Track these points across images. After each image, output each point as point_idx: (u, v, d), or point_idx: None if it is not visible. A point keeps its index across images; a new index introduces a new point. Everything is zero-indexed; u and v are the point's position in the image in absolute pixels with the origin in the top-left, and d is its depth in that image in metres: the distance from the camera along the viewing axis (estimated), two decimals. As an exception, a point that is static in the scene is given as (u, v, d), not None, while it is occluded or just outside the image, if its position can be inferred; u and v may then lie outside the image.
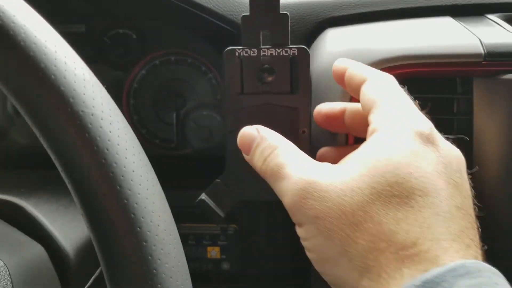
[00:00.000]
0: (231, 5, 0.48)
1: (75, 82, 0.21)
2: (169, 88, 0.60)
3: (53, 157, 0.20)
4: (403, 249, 0.23)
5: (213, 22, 0.49)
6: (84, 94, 0.21)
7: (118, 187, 0.20)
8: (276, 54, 0.34)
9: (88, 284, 0.40)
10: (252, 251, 0.54)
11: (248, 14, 0.34)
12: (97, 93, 0.21)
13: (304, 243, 0.27)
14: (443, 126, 0.41)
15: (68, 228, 0.39)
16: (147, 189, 0.21)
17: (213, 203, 0.34)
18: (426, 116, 0.29)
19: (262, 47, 0.34)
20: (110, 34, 0.60)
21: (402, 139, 0.26)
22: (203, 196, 0.35)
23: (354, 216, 0.24)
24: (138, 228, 0.20)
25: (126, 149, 0.21)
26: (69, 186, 0.20)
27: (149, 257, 0.20)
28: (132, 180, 0.20)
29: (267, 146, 0.29)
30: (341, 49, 0.42)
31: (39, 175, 0.48)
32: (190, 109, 0.61)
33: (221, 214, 0.34)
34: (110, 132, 0.21)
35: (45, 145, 0.20)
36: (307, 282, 0.51)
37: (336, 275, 0.25)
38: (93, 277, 0.40)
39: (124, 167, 0.20)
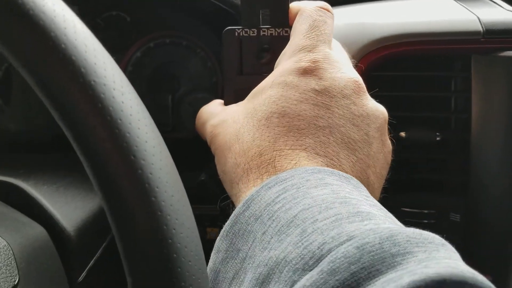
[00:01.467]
0: (228, -16, 0.48)
1: (86, 52, 0.20)
2: (164, 70, 0.60)
3: (64, 128, 0.20)
4: (252, 160, 0.28)
5: (210, 1, 0.48)
6: (95, 64, 0.20)
7: (132, 157, 0.20)
8: (276, 34, 0.34)
9: (90, 264, 0.39)
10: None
11: None
12: (107, 64, 0.21)
13: (215, 161, 0.32)
14: (440, 104, 0.42)
15: (68, 208, 0.39)
16: (161, 160, 0.21)
17: (214, 184, 0.35)
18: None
19: (261, 27, 0.34)
20: (104, 17, 0.60)
21: (278, 73, 0.30)
22: (203, 176, 0.35)
23: (230, 141, 0.30)
24: (153, 198, 0.20)
25: (139, 120, 0.21)
26: (82, 158, 0.20)
27: (164, 227, 0.20)
28: (145, 150, 0.20)
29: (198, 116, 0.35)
30: (340, 23, 0.42)
31: (35, 159, 0.48)
32: (186, 92, 0.60)
33: (221, 194, 0.34)
34: (122, 102, 0.20)
35: (55, 116, 0.20)
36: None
37: (226, 180, 0.30)
38: (95, 257, 0.40)
39: (138, 137, 0.20)
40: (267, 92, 0.30)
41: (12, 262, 0.30)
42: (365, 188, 0.26)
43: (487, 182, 0.38)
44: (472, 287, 0.18)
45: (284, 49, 0.32)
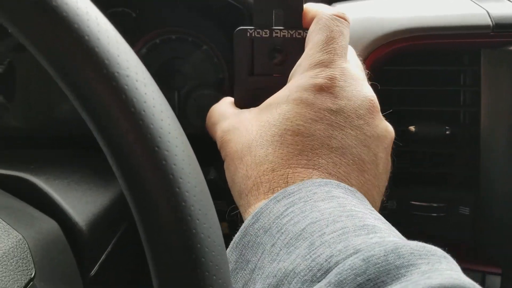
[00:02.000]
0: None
1: (108, 43, 0.20)
2: (170, 67, 0.60)
3: (87, 119, 0.20)
4: (263, 175, 0.28)
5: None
6: (118, 55, 0.20)
7: (156, 148, 0.20)
8: (289, 36, 0.33)
9: (101, 259, 0.40)
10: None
11: None
12: (129, 55, 0.21)
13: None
14: (449, 98, 0.42)
15: (79, 203, 0.39)
16: (183, 151, 0.21)
17: (222, 182, 0.34)
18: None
19: (274, 28, 0.33)
20: (109, 12, 0.60)
21: (293, 88, 0.30)
22: (212, 175, 0.34)
23: (242, 151, 0.30)
24: (177, 189, 0.20)
25: (161, 111, 0.21)
26: (105, 149, 0.20)
27: (188, 217, 0.20)
28: (169, 142, 0.20)
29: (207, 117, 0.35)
30: (352, 18, 0.42)
31: (43, 155, 0.48)
32: (192, 88, 0.60)
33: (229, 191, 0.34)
34: (145, 94, 0.20)
35: (78, 108, 0.20)
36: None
37: (234, 192, 0.31)
38: (106, 252, 0.40)
39: (161, 128, 0.20)
40: (282, 107, 0.30)
41: (28, 256, 0.30)
42: (368, 202, 0.27)
43: (496, 175, 0.38)
44: None
45: (300, 60, 0.31)
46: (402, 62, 0.42)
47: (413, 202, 0.41)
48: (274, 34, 0.33)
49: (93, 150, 0.53)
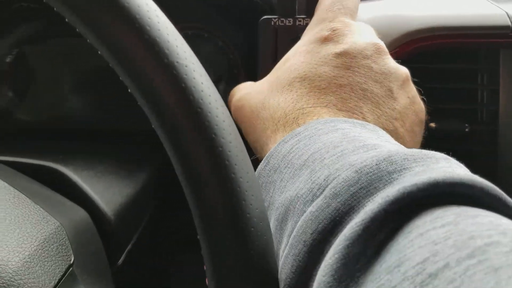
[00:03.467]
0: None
1: (167, 34, 0.21)
2: (186, 62, 0.60)
3: (146, 107, 0.21)
4: (278, 122, 0.29)
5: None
6: (177, 46, 0.21)
7: (213, 135, 0.21)
8: None
9: (128, 248, 0.40)
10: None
11: None
12: (185, 46, 0.22)
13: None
14: (468, 96, 0.43)
15: (107, 193, 0.39)
16: (235, 138, 0.22)
17: None
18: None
19: (297, 16, 0.35)
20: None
21: (301, 44, 0.32)
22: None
23: (257, 110, 0.32)
24: (232, 175, 0.21)
25: (216, 100, 0.22)
26: (164, 137, 0.21)
27: (243, 202, 0.21)
28: (224, 130, 0.21)
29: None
30: (371, 16, 0.43)
31: (68, 145, 0.48)
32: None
33: None
34: (202, 83, 0.21)
35: (138, 96, 0.21)
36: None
37: (253, 145, 0.33)
38: (132, 242, 0.41)
39: (217, 116, 0.21)
40: (289, 61, 0.32)
41: (67, 242, 0.31)
42: (384, 132, 0.27)
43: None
44: (470, 188, 0.18)
45: (309, 24, 0.33)
46: (420, 60, 0.43)
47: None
48: (297, 23, 0.35)
49: (106, 143, 0.54)
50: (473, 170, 0.44)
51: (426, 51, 0.42)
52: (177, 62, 0.21)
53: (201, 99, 0.21)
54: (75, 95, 0.61)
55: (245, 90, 0.35)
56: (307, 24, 0.35)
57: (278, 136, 0.29)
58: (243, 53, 0.60)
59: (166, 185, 0.52)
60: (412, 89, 0.32)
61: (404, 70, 0.31)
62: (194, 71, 0.21)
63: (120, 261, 0.39)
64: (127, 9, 0.20)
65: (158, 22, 0.21)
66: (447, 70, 0.42)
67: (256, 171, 0.28)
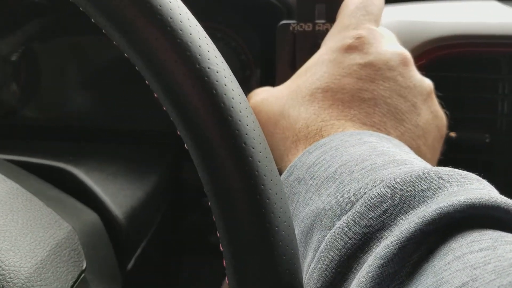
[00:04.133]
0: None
1: (199, 38, 0.20)
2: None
3: (175, 113, 0.20)
4: (299, 132, 0.28)
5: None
6: (208, 51, 0.20)
7: (243, 144, 0.20)
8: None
9: (137, 253, 0.39)
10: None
11: None
12: (216, 51, 0.21)
13: None
14: (488, 106, 0.43)
15: (119, 196, 0.39)
16: (265, 148, 0.21)
17: None
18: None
19: (317, 21, 0.34)
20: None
21: (323, 52, 0.30)
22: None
23: (275, 117, 0.31)
24: (262, 186, 0.20)
25: (246, 108, 0.21)
26: (193, 145, 0.20)
27: (272, 214, 0.20)
28: (254, 138, 0.20)
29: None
30: (393, 21, 0.42)
31: (78, 146, 0.48)
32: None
33: None
34: (232, 90, 0.21)
35: (168, 103, 0.20)
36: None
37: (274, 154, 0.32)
38: (141, 246, 0.40)
39: (247, 125, 0.20)
40: (311, 70, 0.30)
41: (79, 247, 0.30)
42: (408, 149, 0.26)
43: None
44: (506, 212, 0.18)
45: (330, 30, 0.32)
46: (439, 68, 0.42)
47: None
48: (316, 28, 0.34)
49: (116, 143, 0.53)
50: (493, 180, 0.43)
51: (446, 59, 0.41)
52: (209, 68, 0.20)
53: (232, 107, 0.20)
54: (84, 93, 0.60)
55: (262, 95, 0.34)
56: (327, 30, 0.34)
57: (300, 147, 0.28)
58: (256, 54, 0.60)
59: (176, 188, 0.51)
60: (435, 103, 0.31)
61: (428, 83, 0.30)
62: (225, 77, 0.20)
63: (130, 265, 0.38)
64: (160, 12, 0.20)
65: (190, 26, 0.20)
66: (467, 79, 0.41)
67: None
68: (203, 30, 0.21)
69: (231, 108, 0.20)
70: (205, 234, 0.51)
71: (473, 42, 0.40)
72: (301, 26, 0.34)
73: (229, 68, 0.21)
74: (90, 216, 0.35)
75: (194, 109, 0.20)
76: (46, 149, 0.43)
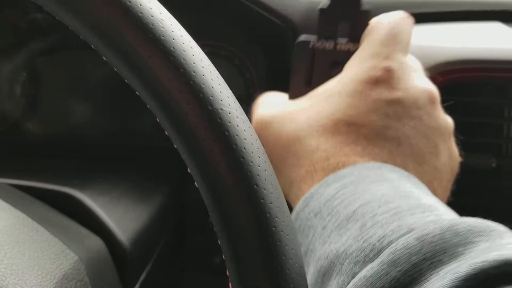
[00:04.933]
0: (283, 0, 0.48)
1: (212, 79, 0.20)
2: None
3: (188, 159, 0.20)
4: (318, 163, 0.27)
5: (261, 15, 0.48)
6: (221, 92, 0.20)
7: (255, 186, 0.20)
8: (353, 50, 0.32)
9: (142, 277, 0.39)
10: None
11: (326, 7, 0.32)
12: (229, 91, 0.21)
13: None
14: (493, 130, 0.43)
15: (123, 220, 0.38)
16: (277, 189, 0.21)
17: None
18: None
19: (338, 40, 0.32)
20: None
21: (348, 79, 0.29)
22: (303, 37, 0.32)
23: (288, 140, 0.29)
24: (273, 228, 0.20)
25: (258, 148, 0.21)
26: (203, 187, 0.20)
27: (278, 243, 0.20)
28: (266, 180, 0.20)
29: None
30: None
31: (81, 166, 0.47)
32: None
33: None
34: (244, 130, 0.20)
35: (181, 148, 0.20)
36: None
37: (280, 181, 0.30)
38: (146, 270, 0.40)
39: (259, 166, 0.20)
40: (334, 98, 0.29)
41: (85, 278, 0.30)
42: (426, 188, 0.26)
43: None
44: None
45: (356, 53, 0.31)
46: (445, 92, 0.42)
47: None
48: (338, 47, 0.32)
49: (120, 160, 0.53)
50: (500, 205, 0.43)
51: (452, 84, 0.41)
52: (221, 109, 0.20)
53: (244, 148, 0.20)
54: (86, 108, 0.60)
55: (273, 108, 0.31)
56: (349, 50, 0.32)
57: (316, 177, 0.27)
58: (260, 72, 0.60)
59: (180, 209, 0.50)
60: (453, 143, 0.30)
61: (450, 123, 0.30)
62: (237, 117, 0.20)
63: (135, 291, 0.38)
64: (174, 53, 0.20)
65: (203, 67, 0.20)
66: (473, 103, 0.41)
67: (293, 211, 0.26)
68: (215, 69, 0.21)
69: (243, 150, 0.20)
70: (210, 254, 0.50)
71: (479, 67, 0.40)
72: (322, 43, 0.32)
73: (240, 107, 0.21)
74: (95, 242, 0.35)
75: (206, 154, 0.20)
76: (50, 169, 0.43)
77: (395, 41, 0.29)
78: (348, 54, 0.32)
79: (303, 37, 0.32)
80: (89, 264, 0.31)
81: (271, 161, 0.29)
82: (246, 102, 0.60)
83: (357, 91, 0.28)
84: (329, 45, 0.32)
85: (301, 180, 0.28)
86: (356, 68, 0.29)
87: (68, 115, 0.60)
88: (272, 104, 0.32)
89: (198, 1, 0.55)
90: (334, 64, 0.32)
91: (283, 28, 0.48)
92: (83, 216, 0.36)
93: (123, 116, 0.59)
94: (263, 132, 0.31)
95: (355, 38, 0.32)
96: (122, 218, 0.38)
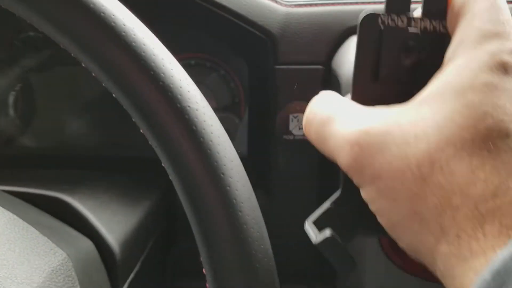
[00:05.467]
0: (261, 12, 0.51)
1: (180, 80, 0.22)
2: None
3: (160, 153, 0.22)
4: (482, 203, 0.19)
5: (242, 27, 0.51)
6: (189, 91, 0.23)
7: (221, 174, 0.22)
8: (431, 29, 0.24)
9: (130, 277, 0.41)
10: (277, 248, 0.56)
11: None
12: (197, 91, 0.23)
13: (370, 207, 0.22)
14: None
15: (112, 223, 0.40)
16: (243, 177, 0.23)
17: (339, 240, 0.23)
18: None
19: (413, 16, 0.24)
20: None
21: (477, 71, 0.21)
22: (328, 233, 0.23)
23: (420, 168, 0.20)
24: (239, 212, 0.22)
25: (225, 141, 0.23)
26: (174, 175, 0.22)
27: (249, 239, 0.22)
28: (232, 169, 0.22)
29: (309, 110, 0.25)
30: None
31: (72, 174, 0.49)
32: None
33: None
34: (211, 125, 0.23)
35: (154, 143, 0.22)
36: (333, 280, 0.53)
37: (409, 241, 0.21)
38: (134, 271, 0.42)
39: (225, 156, 0.22)
40: (467, 97, 0.21)
41: (73, 273, 0.31)
42: None
43: None
44: None
45: (460, 36, 0.23)
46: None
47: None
48: (412, 23, 0.24)
49: (110, 170, 0.55)
50: None
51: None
52: (189, 106, 0.22)
53: (211, 141, 0.22)
54: (79, 121, 0.63)
55: (371, 122, 0.22)
56: (425, 28, 0.24)
57: (488, 230, 0.19)
58: (244, 82, 0.62)
59: (168, 213, 0.52)
60: None
61: None
62: (204, 114, 0.22)
63: (123, 290, 0.40)
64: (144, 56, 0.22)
65: (172, 69, 0.22)
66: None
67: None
68: (184, 72, 0.23)
69: (210, 142, 0.22)
70: (198, 257, 0.52)
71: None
72: (392, 19, 0.24)
73: (207, 104, 0.24)
74: (85, 243, 0.37)
75: (176, 146, 0.22)
76: (42, 177, 0.45)
77: (505, 17, 0.22)
78: (423, 36, 0.24)
79: (369, 12, 0.24)
80: (78, 262, 0.33)
81: (392, 211, 0.21)
82: (234, 111, 0.63)
83: (493, 83, 0.21)
84: (401, 22, 0.24)
85: (462, 232, 0.19)
86: (471, 53, 0.22)
87: (61, 130, 0.62)
88: (351, 113, 0.23)
89: (183, 16, 0.57)
90: (405, 48, 0.24)
91: (262, 39, 0.51)
92: (72, 218, 0.38)
93: (114, 129, 0.61)
94: (372, 160, 0.21)
95: (432, 13, 0.24)
96: (110, 221, 0.40)
